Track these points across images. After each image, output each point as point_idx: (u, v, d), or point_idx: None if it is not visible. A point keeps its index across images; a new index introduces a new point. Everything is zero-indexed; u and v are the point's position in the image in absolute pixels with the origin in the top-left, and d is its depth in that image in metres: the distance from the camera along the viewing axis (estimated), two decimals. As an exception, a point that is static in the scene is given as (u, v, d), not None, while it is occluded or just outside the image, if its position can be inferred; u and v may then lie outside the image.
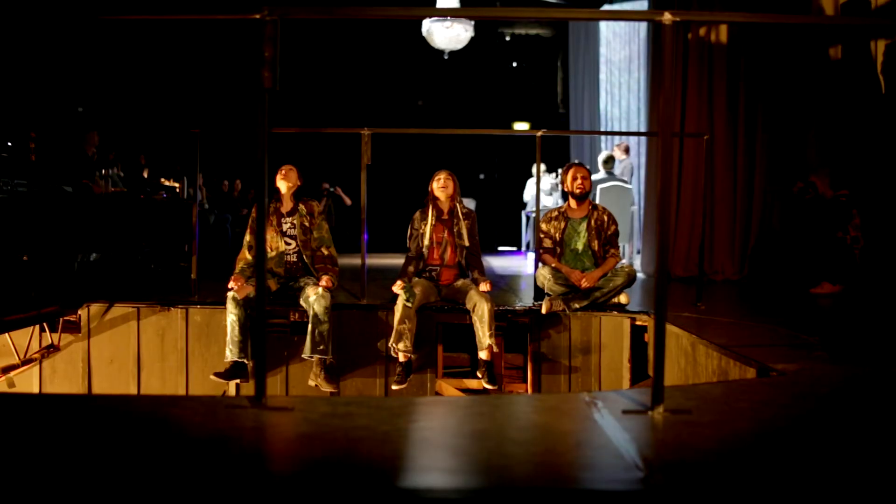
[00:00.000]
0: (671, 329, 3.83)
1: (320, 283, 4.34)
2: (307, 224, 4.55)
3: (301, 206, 4.57)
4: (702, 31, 7.07)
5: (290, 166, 4.61)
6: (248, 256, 4.51)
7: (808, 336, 3.59)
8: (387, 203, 10.35)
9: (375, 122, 5.28)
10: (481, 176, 14.21)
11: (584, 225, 4.69)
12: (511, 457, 1.62)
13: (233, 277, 4.31)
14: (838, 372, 2.78)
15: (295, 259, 4.55)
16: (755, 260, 6.82)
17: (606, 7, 10.28)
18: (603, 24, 10.74)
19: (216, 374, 4.24)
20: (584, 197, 4.69)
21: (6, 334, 4.44)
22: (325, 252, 4.57)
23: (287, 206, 4.57)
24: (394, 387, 4.33)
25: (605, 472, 1.54)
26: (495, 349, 4.25)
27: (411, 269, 4.53)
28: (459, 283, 4.51)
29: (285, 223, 4.54)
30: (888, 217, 5.99)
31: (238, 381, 4.32)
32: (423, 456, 1.65)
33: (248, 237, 4.61)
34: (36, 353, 4.67)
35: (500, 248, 12.84)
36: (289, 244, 4.54)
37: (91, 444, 1.68)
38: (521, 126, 13.73)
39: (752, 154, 6.92)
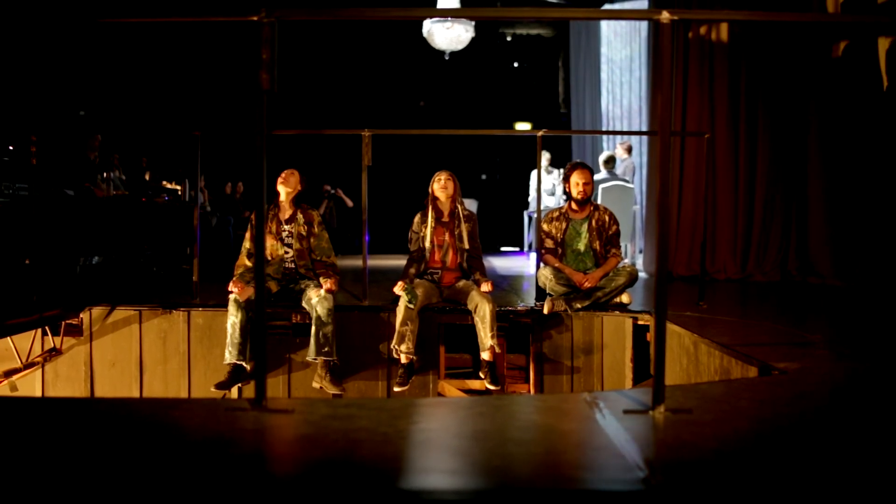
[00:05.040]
0: (673, 328, 3.82)
1: (324, 285, 4.33)
2: (304, 233, 4.53)
3: (300, 215, 4.54)
4: (702, 30, 7.06)
5: (292, 170, 4.57)
6: (248, 263, 4.50)
7: (810, 334, 3.58)
8: (388, 204, 10.35)
9: (376, 124, 5.28)
10: (483, 176, 14.20)
11: (585, 225, 4.68)
12: (511, 457, 1.61)
13: (232, 281, 4.30)
14: (841, 370, 2.78)
15: (293, 266, 4.54)
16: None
17: (607, 6, 10.28)
18: (604, 24, 10.73)
19: (217, 386, 4.22)
20: (585, 202, 4.68)
21: (8, 338, 4.45)
22: (326, 261, 4.56)
23: (286, 212, 4.55)
24: (396, 388, 4.33)
25: (605, 472, 1.54)
26: (497, 350, 4.25)
27: (413, 270, 4.52)
28: (461, 283, 4.51)
29: (283, 230, 4.52)
30: (889, 214, 5.98)
31: (238, 385, 4.32)
32: (424, 457, 1.65)
33: (247, 244, 4.58)
34: (38, 356, 4.68)
35: (503, 249, 12.83)
36: (287, 252, 4.53)
37: (93, 447, 1.68)
38: (522, 126, 13.72)
39: (753, 152, 6.90)
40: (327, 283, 4.33)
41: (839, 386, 2.50)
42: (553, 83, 13.66)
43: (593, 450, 1.70)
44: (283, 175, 4.54)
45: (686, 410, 1.96)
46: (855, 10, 6.13)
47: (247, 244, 4.58)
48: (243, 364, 4.23)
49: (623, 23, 10.24)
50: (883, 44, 5.83)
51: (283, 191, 4.53)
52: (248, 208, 10.67)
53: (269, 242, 4.51)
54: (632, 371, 4.51)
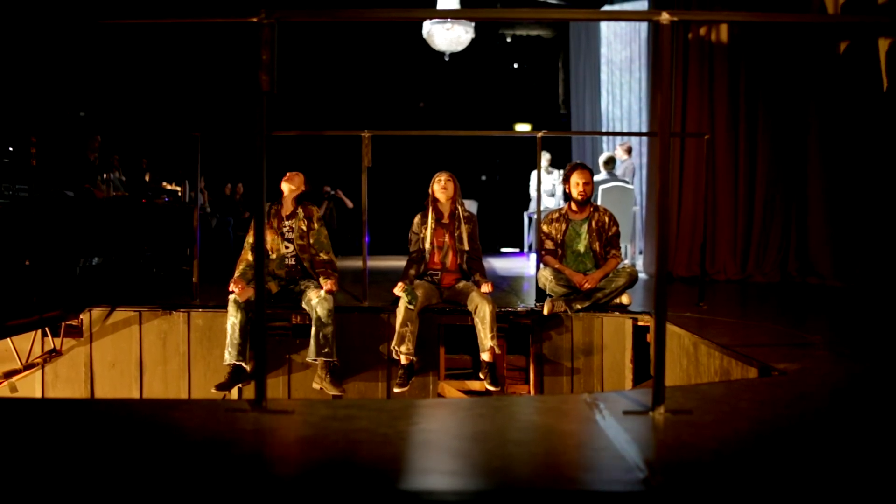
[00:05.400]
0: (673, 329, 3.82)
1: (324, 286, 4.35)
2: (304, 228, 4.56)
3: (300, 211, 4.58)
4: (702, 31, 7.06)
5: (298, 172, 4.66)
6: (250, 257, 4.53)
7: (810, 335, 3.58)
8: (388, 205, 10.35)
9: (376, 125, 5.28)
10: (483, 177, 14.20)
11: (585, 226, 4.68)
12: (511, 458, 1.61)
13: (233, 280, 4.31)
14: (840, 371, 2.78)
15: (294, 262, 4.56)
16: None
17: (607, 7, 10.28)
18: (604, 25, 10.73)
19: (217, 387, 4.22)
20: (585, 202, 4.69)
21: (9, 339, 4.45)
22: (325, 257, 4.57)
23: (287, 209, 4.59)
24: (396, 389, 4.33)
25: (605, 472, 1.53)
26: (497, 351, 4.25)
27: (412, 271, 4.53)
28: (461, 284, 4.51)
29: (285, 226, 4.56)
30: (889, 214, 5.99)
31: (239, 385, 4.32)
32: (424, 458, 1.65)
33: (250, 238, 4.62)
34: (38, 357, 4.67)
35: (503, 250, 12.83)
36: (288, 247, 4.56)
37: (93, 448, 1.68)
38: (522, 127, 13.72)
39: (753, 153, 6.91)
40: (327, 284, 4.35)
41: (839, 387, 2.50)
42: (553, 84, 13.66)
43: (593, 450, 1.70)
44: (288, 175, 4.63)
45: (686, 411, 1.96)
46: (855, 11, 6.14)
47: (250, 238, 4.62)
48: (243, 365, 4.24)
49: (623, 24, 10.24)
50: (883, 45, 5.84)
51: (287, 188, 4.59)
52: (247, 209, 10.68)
53: (270, 238, 4.55)
54: (632, 372, 4.51)
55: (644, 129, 9.10)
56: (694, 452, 1.65)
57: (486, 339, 4.16)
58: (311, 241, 4.57)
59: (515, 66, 13.93)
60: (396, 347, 4.23)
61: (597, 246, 4.65)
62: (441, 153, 11.16)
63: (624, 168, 8.46)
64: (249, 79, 2.02)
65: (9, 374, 4.52)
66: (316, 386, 4.35)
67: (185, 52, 10.83)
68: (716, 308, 4.64)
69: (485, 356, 4.23)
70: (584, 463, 1.64)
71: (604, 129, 10.62)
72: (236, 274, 4.42)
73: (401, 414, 2.03)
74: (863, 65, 6.19)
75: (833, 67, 6.44)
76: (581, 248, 4.68)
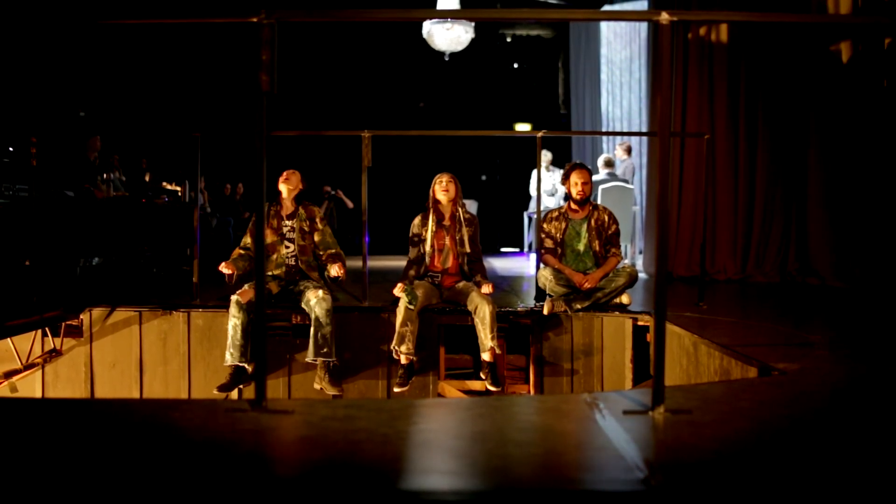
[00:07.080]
0: (673, 329, 3.82)
1: (333, 272, 4.41)
2: (306, 229, 4.56)
3: (301, 211, 4.59)
4: (702, 31, 7.06)
5: (293, 170, 4.66)
6: (241, 251, 4.61)
7: (810, 335, 3.58)
8: (388, 205, 10.35)
9: (376, 125, 5.29)
10: (483, 177, 14.20)
11: (584, 225, 4.68)
12: (511, 458, 1.61)
13: (224, 263, 4.39)
14: (840, 371, 2.78)
15: (293, 262, 4.56)
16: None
17: (607, 7, 10.28)
18: (604, 25, 10.73)
19: (219, 388, 4.23)
20: (584, 202, 4.69)
21: (9, 339, 4.45)
22: (333, 251, 4.60)
23: (287, 209, 4.60)
24: (396, 389, 4.33)
25: (605, 472, 1.54)
26: (497, 351, 4.25)
27: (412, 272, 4.52)
28: (461, 285, 4.50)
29: (285, 226, 4.57)
30: (890, 215, 5.98)
31: (240, 386, 4.32)
32: (424, 458, 1.65)
33: (246, 239, 4.67)
34: (38, 357, 4.68)
35: (503, 250, 12.83)
36: (287, 247, 4.56)
37: (93, 448, 1.68)
38: (522, 127, 13.72)
39: (753, 153, 6.90)
40: (334, 269, 4.41)
41: (839, 387, 2.50)
42: (553, 84, 13.66)
43: (593, 450, 1.70)
44: (284, 174, 4.63)
45: (686, 411, 1.96)
46: (863, 11, 6.12)
47: (246, 239, 4.66)
48: (244, 366, 4.24)
49: (623, 24, 10.24)
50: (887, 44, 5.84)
51: (285, 189, 4.60)
52: (247, 209, 10.68)
53: (270, 238, 4.55)
54: (632, 372, 4.51)
55: (644, 129, 9.10)
56: (694, 452, 1.65)
57: (487, 340, 4.16)
58: (316, 240, 4.58)
59: (515, 66, 13.93)
60: (396, 347, 4.23)
61: (596, 245, 4.65)
62: (441, 153, 11.16)
63: (624, 168, 8.46)
64: (249, 79, 2.02)
65: (9, 374, 4.52)
66: (317, 386, 4.35)
67: (186, 52, 10.83)
68: (716, 308, 4.64)
69: (485, 356, 4.23)
70: (583, 463, 1.64)
71: (604, 129, 10.62)
72: (229, 260, 4.49)
73: (401, 414, 2.03)
74: (863, 65, 6.19)
75: (833, 67, 6.44)
76: (581, 247, 4.68)
